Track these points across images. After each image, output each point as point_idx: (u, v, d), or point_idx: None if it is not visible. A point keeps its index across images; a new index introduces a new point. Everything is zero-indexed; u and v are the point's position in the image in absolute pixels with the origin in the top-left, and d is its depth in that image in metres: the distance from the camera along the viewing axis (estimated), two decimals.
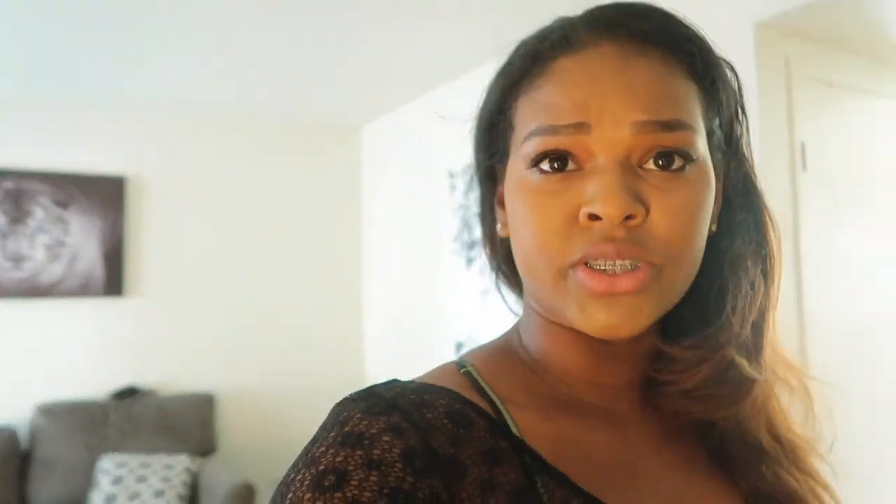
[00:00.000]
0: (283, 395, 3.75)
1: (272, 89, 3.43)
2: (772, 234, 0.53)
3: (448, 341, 3.27)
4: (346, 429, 0.41)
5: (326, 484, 0.38)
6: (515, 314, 0.58)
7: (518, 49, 0.52)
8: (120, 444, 3.12)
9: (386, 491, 0.38)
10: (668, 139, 0.45)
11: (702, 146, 0.47)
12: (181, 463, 3.03)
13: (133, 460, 2.99)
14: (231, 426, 3.61)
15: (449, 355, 3.06)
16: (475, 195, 0.59)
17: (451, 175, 3.28)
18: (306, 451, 0.42)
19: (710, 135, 0.49)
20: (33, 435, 3.06)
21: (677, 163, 0.46)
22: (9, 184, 3.27)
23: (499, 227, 0.55)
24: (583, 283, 0.45)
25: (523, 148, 0.47)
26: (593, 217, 0.44)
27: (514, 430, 0.46)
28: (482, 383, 0.49)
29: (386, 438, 0.41)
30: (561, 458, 0.46)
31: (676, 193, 0.45)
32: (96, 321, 3.44)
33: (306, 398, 3.66)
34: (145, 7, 2.44)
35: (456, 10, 2.53)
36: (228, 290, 3.72)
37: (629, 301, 0.44)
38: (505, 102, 0.51)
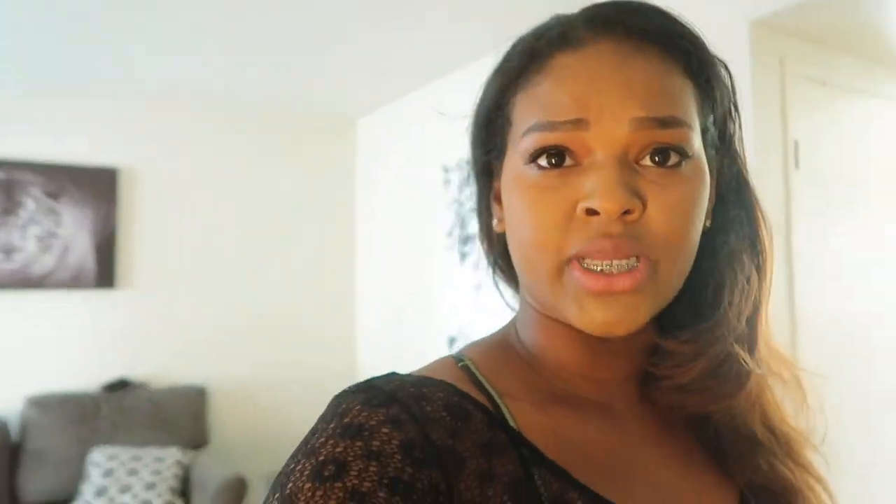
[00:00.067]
0: (276, 389, 3.75)
1: (267, 81, 3.42)
2: (764, 230, 0.54)
3: (441, 336, 3.28)
4: (346, 420, 0.42)
5: (326, 474, 0.39)
6: (512, 309, 0.59)
7: (516, 46, 0.52)
8: (111, 437, 3.12)
9: (385, 481, 0.39)
10: (665, 136, 0.46)
11: (697, 143, 0.48)
12: (172, 456, 3.03)
13: (124, 453, 2.99)
14: (223, 419, 3.61)
15: (442, 350, 3.07)
16: (472, 191, 0.59)
17: (446, 169, 3.28)
18: (305, 441, 0.42)
19: (704, 132, 0.50)
20: (24, 427, 3.05)
21: (673, 159, 0.46)
22: (0, 174, 3.25)
23: (495, 222, 0.56)
24: (580, 282, 0.45)
25: (521, 144, 0.48)
26: (591, 212, 0.45)
27: (511, 423, 0.47)
28: (480, 377, 0.50)
29: (385, 430, 0.41)
30: (558, 451, 0.46)
31: (673, 189, 0.46)
32: (88, 313, 3.42)
33: (299, 392, 3.66)
34: None
35: (452, 4, 2.53)
36: (221, 283, 3.71)
37: (626, 300, 0.45)
38: (503, 98, 0.51)
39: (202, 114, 3.74)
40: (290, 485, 0.39)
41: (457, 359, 0.52)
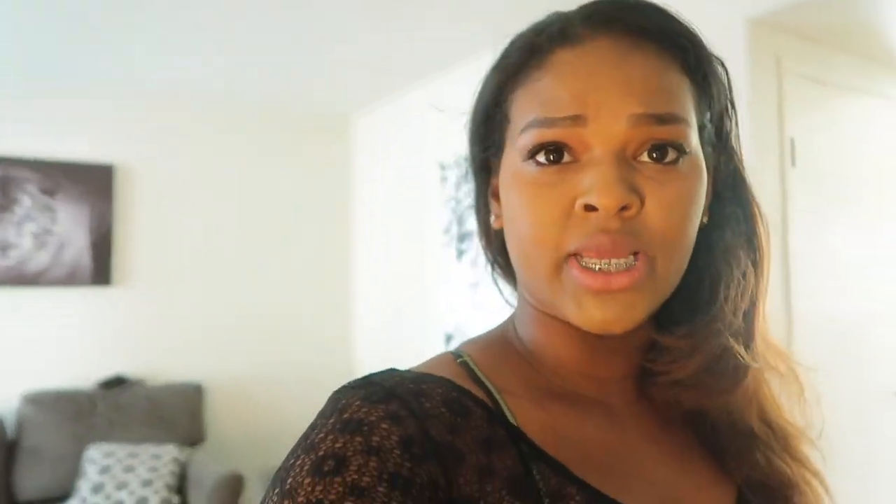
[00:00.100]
0: (273, 386, 3.75)
1: (264, 79, 3.41)
2: (761, 227, 0.54)
3: (437, 333, 3.28)
4: (346, 416, 0.42)
5: (326, 469, 0.39)
6: (511, 306, 0.59)
7: (514, 42, 0.52)
8: (108, 434, 3.11)
9: (385, 476, 0.39)
10: (663, 132, 0.46)
11: (694, 139, 0.48)
12: (169, 453, 3.03)
13: (121, 450, 2.98)
14: (220, 416, 3.61)
15: (438, 347, 3.07)
16: (470, 188, 0.59)
17: (443, 167, 3.28)
18: (305, 437, 0.42)
19: (701, 128, 0.50)
20: (20, 424, 3.05)
21: (671, 155, 0.46)
22: None
23: (493, 219, 0.56)
24: (578, 280, 0.45)
25: (520, 140, 0.48)
26: (589, 208, 0.45)
27: (510, 419, 0.47)
28: (479, 373, 0.50)
29: (384, 426, 0.41)
30: (557, 447, 0.47)
31: (670, 185, 0.46)
32: (84, 311, 3.42)
33: (295, 389, 3.66)
34: None
35: (449, 3, 2.53)
36: (218, 281, 3.71)
37: (624, 298, 0.45)
38: (501, 95, 0.52)
39: (199, 112, 3.73)
40: (290, 480, 0.39)
41: (455, 355, 0.52)
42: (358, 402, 0.43)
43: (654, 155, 0.46)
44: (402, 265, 3.68)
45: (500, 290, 0.62)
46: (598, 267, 0.45)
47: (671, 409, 0.54)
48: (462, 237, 3.15)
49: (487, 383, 0.49)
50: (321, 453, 0.40)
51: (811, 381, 0.57)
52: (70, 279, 3.36)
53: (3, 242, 3.25)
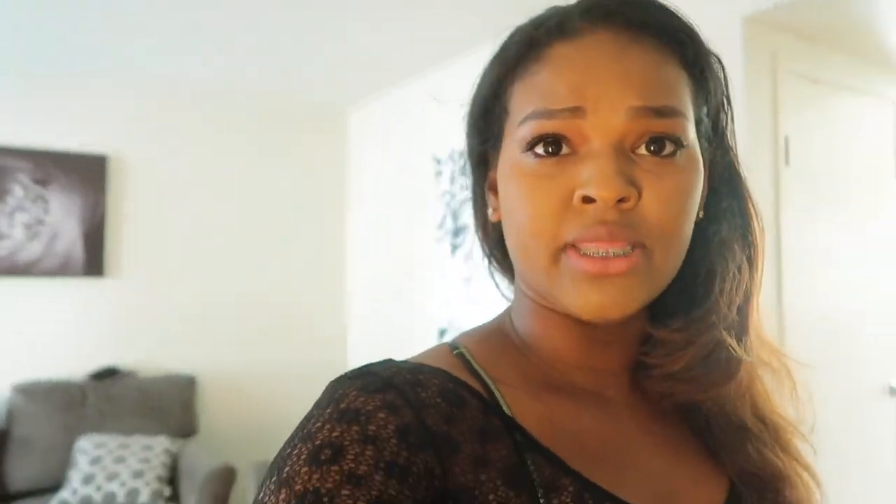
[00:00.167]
0: (265, 379, 3.75)
1: (258, 72, 3.39)
2: (755, 222, 0.55)
3: (431, 328, 3.29)
4: (342, 405, 0.42)
5: (323, 458, 0.39)
6: (507, 299, 0.59)
7: (513, 35, 0.52)
8: (99, 425, 3.10)
9: (382, 465, 0.39)
10: (661, 125, 0.46)
11: (692, 133, 0.49)
12: (160, 444, 3.03)
13: (112, 441, 2.98)
14: (212, 408, 3.60)
15: (432, 342, 3.08)
16: (467, 181, 0.59)
17: (438, 161, 3.28)
18: (302, 426, 0.43)
19: (698, 123, 0.50)
20: (11, 414, 3.04)
21: (668, 148, 0.47)
22: None
23: (490, 212, 0.56)
24: (576, 265, 0.46)
25: (518, 132, 0.48)
26: (587, 199, 0.45)
27: (506, 409, 0.47)
28: (475, 365, 0.50)
29: (381, 415, 0.42)
30: (551, 438, 0.47)
31: (668, 178, 0.46)
32: (76, 301, 3.40)
33: (288, 382, 3.66)
34: None
35: None
36: (211, 272, 3.70)
37: (621, 282, 0.45)
38: (500, 87, 0.52)
39: (193, 104, 3.72)
40: (288, 468, 0.40)
41: (452, 346, 0.53)
42: (355, 392, 0.43)
43: (652, 148, 0.47)
44: (396, 260, 3.68)
45: (496, 283, 0.62)
46: (595, 254, 0.45)
47: (664, 401, 0.54)
48: (456, 232, 3.15)
49: (483, 375, 0.49)
50: (318, 442, 0.40)
51: (803, 376, 0.57)
52: (62, 270, 3.35)
53: None
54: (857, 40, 2.31)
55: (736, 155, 0.56)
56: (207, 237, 3.71)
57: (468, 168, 0.58)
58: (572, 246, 0.46)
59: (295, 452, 0.40)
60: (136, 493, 2.82)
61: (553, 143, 0.47)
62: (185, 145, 3.69)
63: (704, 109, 0.52)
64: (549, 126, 0.46)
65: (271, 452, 0.45)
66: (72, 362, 3.32)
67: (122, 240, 3.51)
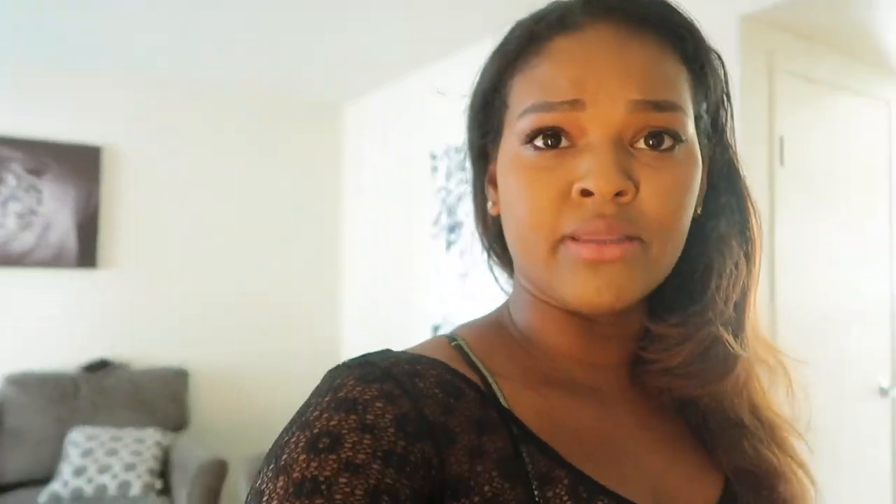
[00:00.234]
0: (258, 373, 3.74)
1: (255, 63, 3.38)
2: (753, 218, 0.55)
3: (425, 323, 3.29)
4: (341, 394, 0.42)
5: (321, 446, 0.39)
6: (506, 293, 0.59)
7: (514, 30, 0.52)
8: (91, 417, 3.10)
9: (379, 454, 0.39)
10: (660, 119, 0.46)
11: (691, 128, 0.49)
12: (152, 437, 3.02)
13: (104, 433, 2.97)
14: (204, 401, 3.60)
15: (426, 337, 3.08)
16: (467, 175, 0.59)
17: (433, 156, 3.28)
18: (300, 414, 0.43)
19: (697, 119, 0.51)
20: (2, 406, 3.02)
21: (667, 143, 0.47)
22: None
23: (489, 205, 0.56)
24: (574, 252, 0.46)
25: (518, 125, 0.48)
26: (585, 193, 0.45)
27: (503, 401, 0.47)
28: (473, 357, 0.50)
29: (379, 404, 0.42)
30: (547, 430, 0.47)
31: (666, 172, 0.47)
32: (68, 292, 3.39)
33: (281, 376, 3.66)
34: None
35: None
36: (204, 265, 3.69)
37: (618, 269, 0.45)
38: (500, 81, 0.52)
39: (188, 96, 3.70)
40: (285, 456, 0.40)
41: (450, 338, 0.53)
42: (353, 381, 0.43)
43: (651, 142, 0.47)
44: (391, 255, 3.68)
45: (495, 277, 0.62)
46: (591, 239, 0.45)
47: (662, 397, 0.54)
48: (451, 228, 3.15)
49: (481, 367, 0.49)
50: (316, 430, 0.40)
51: (799, 374, 0.58)
52: (55, 260, 3.33)
53: None
54: (854, 41, 2.32)
55: (735, 152, 0.56)
56: (201, 230, 3.69)
57: (468, 162, 0.58)
58: (571, 238, 0.46)
59: (293, 440, 0.40)
60: (128, 486, 2.81)
61: (552, 136, 0.47)
62: (179, 137, 3.68)
63: (704, 105, 0.52)
64: (548, 119, 0.46)
65: (263, 446, 0.45)
66: (64, 354, 3.31)
67: (116, 231, 3.50)
